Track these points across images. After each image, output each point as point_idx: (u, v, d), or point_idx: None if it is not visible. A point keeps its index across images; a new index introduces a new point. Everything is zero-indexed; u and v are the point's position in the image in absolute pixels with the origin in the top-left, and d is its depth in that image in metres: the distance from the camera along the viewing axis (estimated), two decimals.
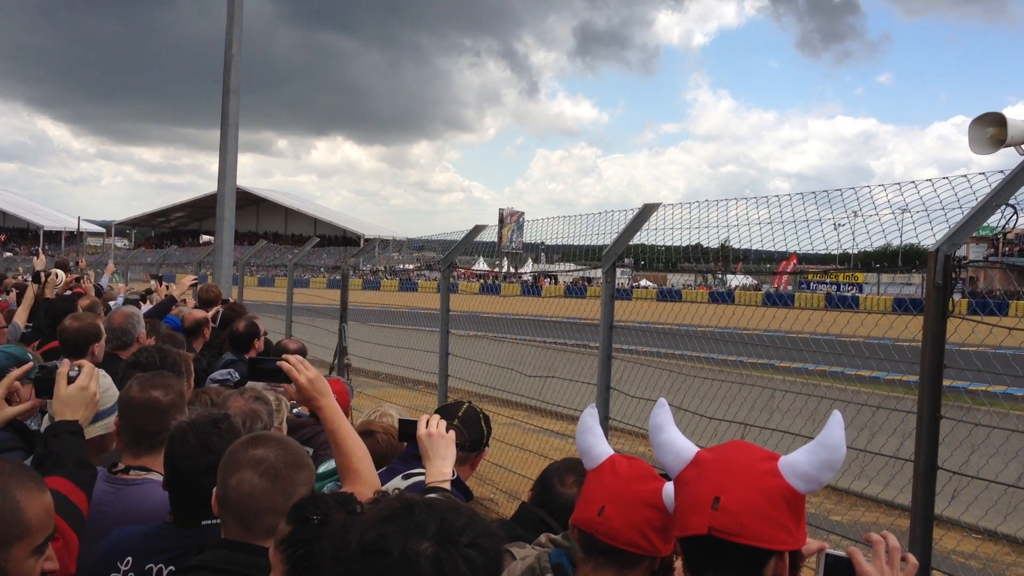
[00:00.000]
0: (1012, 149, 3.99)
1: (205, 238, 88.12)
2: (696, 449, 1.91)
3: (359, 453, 2.73)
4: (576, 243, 7.98)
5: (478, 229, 8.90)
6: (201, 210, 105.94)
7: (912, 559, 1.92)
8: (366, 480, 2.67)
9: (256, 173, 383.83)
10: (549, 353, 8.98)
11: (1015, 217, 4.14)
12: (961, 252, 4.25)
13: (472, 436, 3.16)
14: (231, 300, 10.14)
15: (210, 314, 7.67)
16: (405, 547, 1.47)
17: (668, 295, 12.47)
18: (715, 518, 1.73)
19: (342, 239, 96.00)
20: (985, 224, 4.29)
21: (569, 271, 10.41)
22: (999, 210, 4.05)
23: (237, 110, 13.62)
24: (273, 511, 2.22)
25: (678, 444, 1.93)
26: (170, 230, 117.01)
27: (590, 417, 2.18)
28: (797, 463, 1.78)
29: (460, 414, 3.31)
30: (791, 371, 7.99)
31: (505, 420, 8.20)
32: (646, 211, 6.30)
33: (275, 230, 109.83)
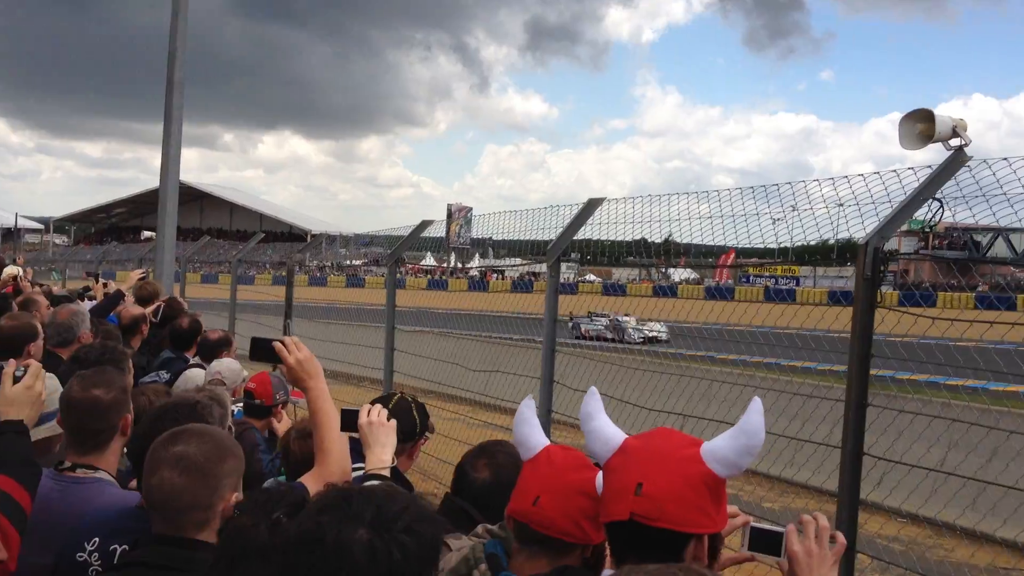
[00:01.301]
0: (940, 145, 4.11)
1: (147, 234, 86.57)
2: (624, 436, 1.95)
3: (333, 435, 2.78)
4: (523, 238, 8.02)
5: (425, 224, 8.89)
6: (143, 206, 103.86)
7: (841, 537, 1.98)
8: (335, 460, 2.73)
9: (201, 168, 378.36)
10: (495, 348, 9.01)
11: (941, 211, 4.28)
12: (893, 245, 4.37)
13: (404, 427, 3.19)
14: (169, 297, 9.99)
15: (149, 311, 7.57)
16: (340, 535, 1.49)
17: (613, 289, 12.57)
18: (637, 504, 1.78)
19: (289, 235, 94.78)
20: (915, 218, 4.43)
21: (515, 266, 10.44)
22: (926, 204, 4.18)
23: (181, 104, 13.38)
24: (199, 506, 2.23)
25: (606, 432, 1.97)
26: (111, 226, 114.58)
27: (527, 408, 2.22)
28: (718, 449, 1.83)
29: (390, 406, 3.32)
30: (730, 363, 8.14)
31: (450, 415, 8.21)
32: (590, 206, 6.36)
33: (220, 226, 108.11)
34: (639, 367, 6.53)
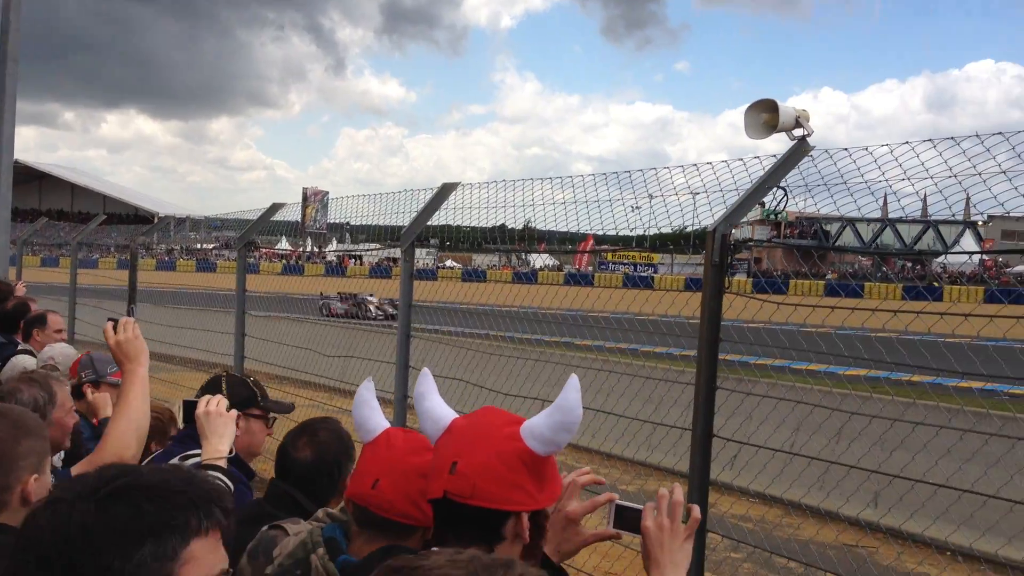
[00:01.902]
0: (784, 135, 4.22)
1: None
2: (454, 416, 1.93)
3: (121, 421, 2.67)
4: (381, 223, 7.88)
5: (276, 207, 8.62)
6: None
7: (696, 512, 1.99)
8: (109, 444, 2.63)
9: (39, 147, 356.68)
10: (351, 333, 8.87)
11: (785, 199, 4.42)
12: (748, 233, 4.49)
13: (240, 396, 3.08)
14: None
15: None
16: (51, 511, 1.33)
17: (473, 275, 12.58)
18: (450, 482, 1.75)
19: (135, 217, 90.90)
20: (766, 208, 4.57)
21: (371, 250, 10.27)
22: (771, 192, 4.31)
23: (16, 79, 12.64)
24: None
25: (437, 412, 1.94)
26: None
27: (366, 391, 2.16)
28: (535, 426, 1.82)
29: (223, 385, 3.25)
30: (589, 348, 8.25)
31: (306, 402, 8.01)
32: (444, 191, 6.28)
33: (60, 207, 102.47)
34: (498, 353, 6.53)
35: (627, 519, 1.99)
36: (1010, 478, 4.09)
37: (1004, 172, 3.66)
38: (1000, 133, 3.67)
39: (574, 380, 1.86)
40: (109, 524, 1.30)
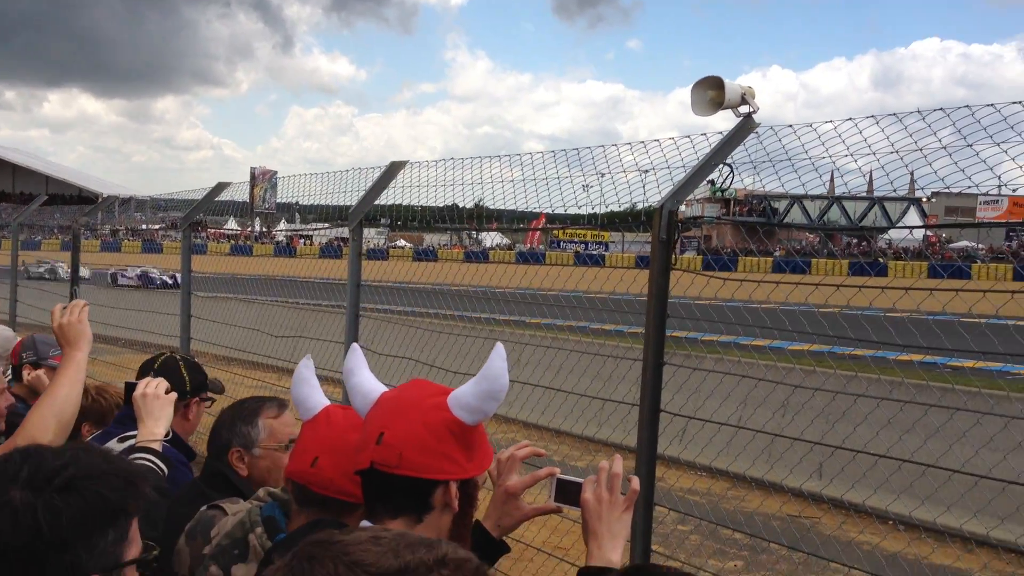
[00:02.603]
0: (731, 112, 4.24)
1: None
2: (383, 390, 1.93)
3: (44, 408, 2.60)
4: (331, 203, 7.79)
5: (221, 187, 8.46)
6: None
7: (635, 483, 2.01)
8: (26, 428, 2.57)
9: None
10: (301, 313, 8.77)
11: (732, 176, 4.45)
12: (697, 211, 4.51)
13: (172, 386, 3.03)
14: None
15: None
16: None
17: (424, 255, 12.53)
18: (377, 452, 1.76)
19: (78, 198, 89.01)
20: (714, 185, 4.58)
21: (320, 229, 10.17)
22: (717, 169, 4.33)
23: None
24: None
25: (366, 386, 1.93)
26: None
27: (305, 368, 2.14)
28: (462, 395, 1.82)
29: (155, 366, 3.21)
30: (541, 327, 8.27)
31: (254, 383, 7.95)
32: (393, 169, 6.21)
33: (2, 188, 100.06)
34: (449, 332, 6.51)
35: (568, 493, 2.01)
36: (948, 448, 4.18)
37: (944, 148, 3.70)
38: (941, 109, 3.70)
39: (500, 348, 1.85)
40: (72, 516, 1.30)
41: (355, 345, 2.05)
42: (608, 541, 1.91)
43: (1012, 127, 3.44)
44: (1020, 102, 3.40)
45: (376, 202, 6.37)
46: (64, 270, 15.68)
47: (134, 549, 1.41)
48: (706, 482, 7.45)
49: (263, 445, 2.73)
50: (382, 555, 1.08)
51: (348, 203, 7.01)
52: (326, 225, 9.25)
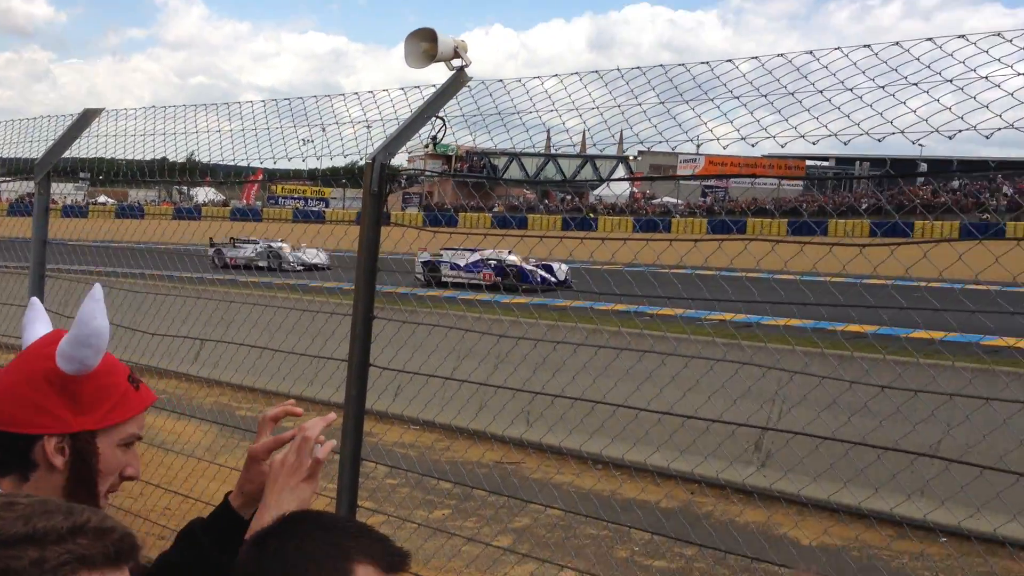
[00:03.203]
0: (444, 65, 4.25)
1: None
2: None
3: None
4: (16, 155, 7.00)
5: None
6: None
7: (320, 451, 1.80)
8: None
9: None
10: None
11: (444, 128, 4.48)
12: (420, 167, 4.49)
13: None
14: None
15: None
16: None
17: (129, 211, 11.71)
18: None
19: None
20: (428, 138, 4.58)
21: (4, 181, 9.18)
22: (429, 122, 4.34)
23: None
24: None
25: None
26: None
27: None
28: (63, 343, 1.71)
29: None
30: (256, 285, 7.98)
31: None
32: (87, 117, 5.67)
33: None
34: (152, 292, 6.13)
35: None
36: (636, 388, 4.48)
37: (640, 106, 3.89)
38: (638, 68, 3.89)
39: (95, 289, 1.72)
40: None
41: (34, 299, 1.89)
42: (273, 511, 1.70)
43: (705, 91, 3.68)
44: (708, 62, 3.63)
45: (70, 154, 5.84)
46: None
47: None
48: (415, 434, 7.58)
49: None
50: (12, 522, 1.00)
51: (32, 155, 6.36)
52: (9, 179, 8.34)
